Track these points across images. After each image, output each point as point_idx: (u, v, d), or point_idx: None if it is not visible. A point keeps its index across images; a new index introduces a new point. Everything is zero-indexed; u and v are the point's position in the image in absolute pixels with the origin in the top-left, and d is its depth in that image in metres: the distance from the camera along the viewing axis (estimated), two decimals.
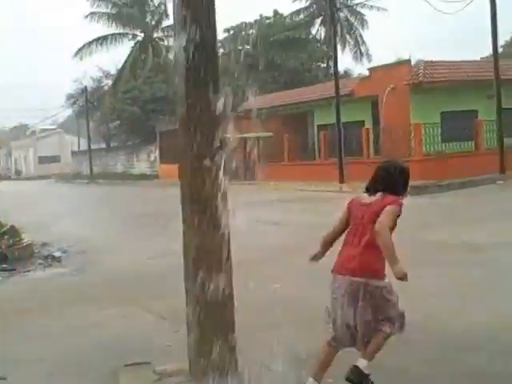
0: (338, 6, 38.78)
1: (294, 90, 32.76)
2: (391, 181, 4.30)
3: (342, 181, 23.00)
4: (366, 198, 4.33)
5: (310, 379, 4.31)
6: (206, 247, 4.72)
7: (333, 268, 4.29)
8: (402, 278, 3.87)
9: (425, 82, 23.66)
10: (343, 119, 24.32)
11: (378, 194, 4.25)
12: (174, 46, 4.94)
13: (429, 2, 25.41)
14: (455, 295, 7.16)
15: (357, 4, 45.37)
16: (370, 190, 4.36)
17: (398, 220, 4.14)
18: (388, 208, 4.07)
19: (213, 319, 4.72)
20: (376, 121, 26.21)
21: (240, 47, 44.48)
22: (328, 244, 4.48)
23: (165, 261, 10.24)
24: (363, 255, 4.09)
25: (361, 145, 24.84)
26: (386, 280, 4.13)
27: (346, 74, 46.68)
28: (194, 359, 4.84)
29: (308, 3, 47.80)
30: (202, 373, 4.72)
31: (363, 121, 26.78)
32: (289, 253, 10.09)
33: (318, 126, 30.29)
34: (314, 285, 7.92)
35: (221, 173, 4.84)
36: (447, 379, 4.75)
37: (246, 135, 26.66)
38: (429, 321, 6.08)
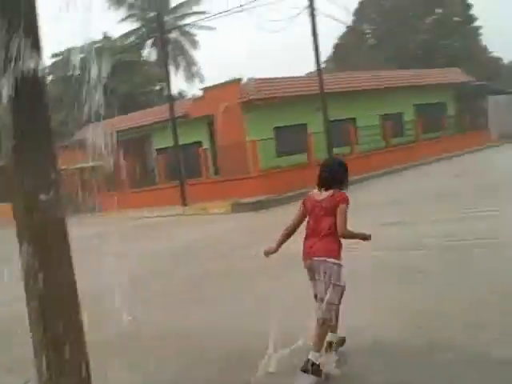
0: (167, 27, 38.90)
1: (129, 115, 32.29)
2: (335, 176, 5.14)
3: (184, 203, 23.02)
4: (318, 195, 5.15)
5: (311, 352, 4.83)
6: (51, 294, 4.48)
7: (302, 256, 5.14)
8: (368, 238, 5.18)
9: (255, 99, 24.35)
10: (181, 141, 24.36)
11: (328, 192, 5.08)
12: None
13: (255, 23, 26.15)
14: None
15: (186, 25, 45.91)
16: (320, 187, 5.17)
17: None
18: (340, 208, 4.94)
19: (63, 363, 4.49)
20: (213, 140, 26.57)
21: (70, 73, 43.16)
22: (287, 235, 5.31)
23: (7, 309, 9.62)
24: (322, 241, 4.99)
25: (199, 166, 24.96)
26: (342, 262, 5.01)
27: (181, 95, 47.02)
28: None
29: (138, 25, 47.60)
30: None
31: (200, 141, 27.03)
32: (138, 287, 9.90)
33: (156, 149, 30.15)
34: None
35: (59, 208, 4.62)
36: None
37: (80, 165, 25.93)
38: None
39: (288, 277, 8.20)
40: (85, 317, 4.40)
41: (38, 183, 4.54)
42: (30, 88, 4.59)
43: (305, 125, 25.49)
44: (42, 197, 4.65)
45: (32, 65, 4.57)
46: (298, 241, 5.28)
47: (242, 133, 24.13)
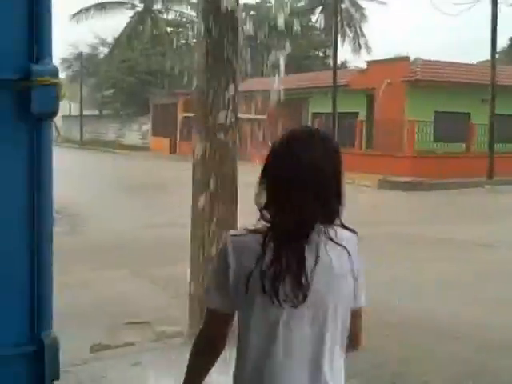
0: None
1: (291, 76, 32.78)
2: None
3: None
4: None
5: None
6: (213, 216, 4.91)
7: None
8: None
9: (422, 80, 23.91)
10: (338, 109, 24.54)
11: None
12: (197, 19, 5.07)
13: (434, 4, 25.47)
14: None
15: None
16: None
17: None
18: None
19: None
20: (370, 114, 26.44)
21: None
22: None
23: (159, 231, 10.46)
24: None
25: (353, 136, 25.06)
26: None
27: (343, 65, 46.80)
28: (193, 324, 5.07)
29: None
30: None
31: (357, 112, 26.99)
32: None
33: (312, 113, 30.48)
34: None
35: (234, 148, 5.03)
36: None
37: (241, 116, 26.75)
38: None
39: None
40: None
41: (218, 122, 4.94)
42: (224, 28, 4.96)
43: (468, 114, 24.64)
44: (221, 136, 5.07)
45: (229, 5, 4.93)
46: None
47: (401, 111, 23.80)
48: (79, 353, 4.83)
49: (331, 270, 1.70)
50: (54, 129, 1.77)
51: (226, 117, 4.92)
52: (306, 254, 1.66)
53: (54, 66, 1.72)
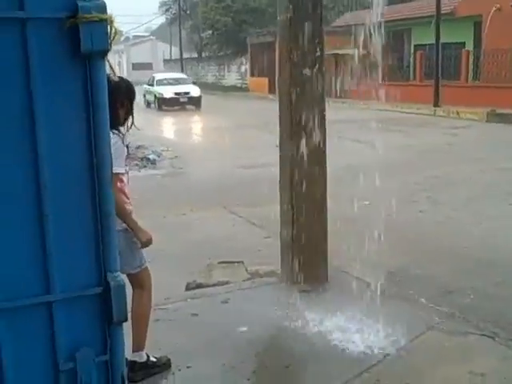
0: None
1: (390, 7, 31.46)
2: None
3: (436, 104, 22.32)
4: None
5: None
6: (301, 156, 4.82)
7: None
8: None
9: None
10: (442, 39, 23.24)
11: None
12: None
13: None
14: None
15: None
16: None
17: None
18: None
19: (307, 224, 4.88)
20: (477, 43, 24.96)
21: None
22: None
23: (256, 171, 10.48)
24: None
25: (459, 67, 23.84)
26: None
27: None
28: (285, 264, 5.07)
29: None
30: (292, 276, 4.94)
31: (464, 42, 25.54)
32: (378, 172, 10.05)
33: (415, 45, 29.19)
34: (403, 204, 7.98)
35: (320, 84, 4.85)
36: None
37: (338, 51, 26.12)
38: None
39: None
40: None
41: (304, 58, 4.75)
42: None
43: None
44: (307, 71, 4.88)
45: None
46: None
47: (511, 39, 22.27)
48: (175, 291, 4.96)
49: None
50: (108, 67, 1.71)
51: (311, 51, 4.73)
52: None
53: (102, 2, 1.64)
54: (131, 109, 3.37)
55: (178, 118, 23.49)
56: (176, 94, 26.91)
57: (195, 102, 26.92)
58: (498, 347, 3.88)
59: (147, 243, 3.37)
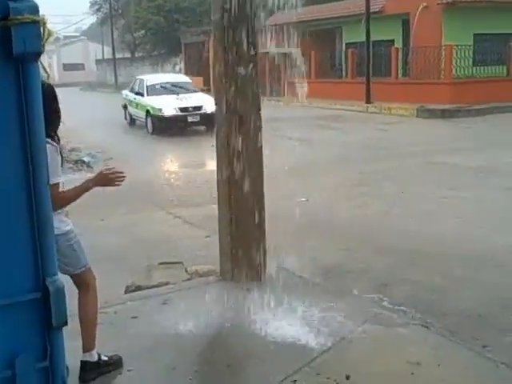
0: None
1: (322, 5, 31.90)
2: None
3: (368, 100, 22.78)
4: None
5: None
6: (238, 155, 4.85)
7: None
8: None
9: (459, 1, 22.92)
10: (372, 37, 23.72)
11: None
12: None
13: None
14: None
15: None
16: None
17: None
18: None
19: (245, 223, 4.92)
20: (406, 40, 25.61)
21: None
22: None
23: (195, 171, 10.48)
24: None
25: (389, 65, 24.41)
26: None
27: None
28: (224, 262, 5.09)
29: None
30: (231, 275, 4.97)
31: (393, 40, 26.15)
32: (314, 169, 10.23)
33: (346, 43, 29.70)
34: (339, 201, 8.15)
35: (255, 83, 4.90)
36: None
37: (272, 50, 26.26)
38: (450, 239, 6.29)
39: None
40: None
41: (238, 56, 4.79)
42: None
43: (509, 35, 23.63)
44: (241, 70, 4.93)
45: None
46: None
47: (438, 36, 22.93)
48: (115, 294, 4.91)
49: None
50: (41, 70, 1.69)
51: (245, 50, 4.77)
52: None
53: (34, 3, 1.62)
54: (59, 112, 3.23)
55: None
56: (182, 109, 17.35)
57: (207, 120, 16.27)
58: (433, 336, 4.02)
59: (108, 178, 3.33)
